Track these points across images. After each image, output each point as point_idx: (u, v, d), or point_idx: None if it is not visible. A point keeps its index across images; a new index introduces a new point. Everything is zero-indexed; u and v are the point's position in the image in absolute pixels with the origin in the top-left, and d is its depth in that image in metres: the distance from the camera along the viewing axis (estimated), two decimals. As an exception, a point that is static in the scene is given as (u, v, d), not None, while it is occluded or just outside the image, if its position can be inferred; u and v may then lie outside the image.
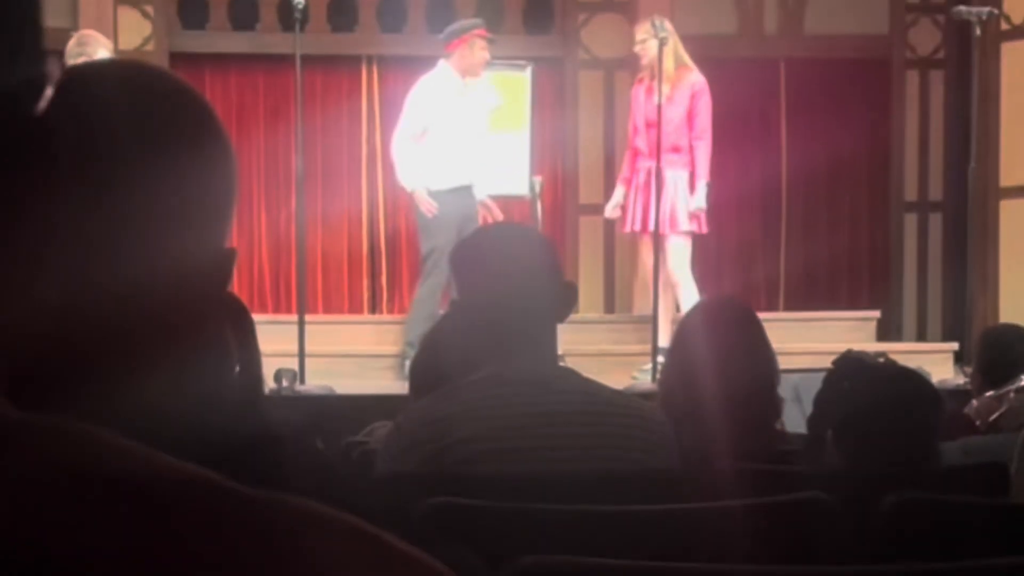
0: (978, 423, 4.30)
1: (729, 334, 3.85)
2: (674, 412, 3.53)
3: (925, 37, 10.75)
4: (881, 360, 3.50)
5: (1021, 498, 3.12)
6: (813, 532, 2.32)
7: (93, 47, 7.90)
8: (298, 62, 7.98)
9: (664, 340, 8.04)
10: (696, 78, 8.35)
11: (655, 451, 2.95)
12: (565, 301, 3.00)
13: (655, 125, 8.20)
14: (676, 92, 8.32)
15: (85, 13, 9.91)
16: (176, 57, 10.26)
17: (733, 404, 3.63)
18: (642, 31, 8.42)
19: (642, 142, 8.47)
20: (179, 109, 1.31)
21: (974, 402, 4.40)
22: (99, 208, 1.10)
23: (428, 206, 8.07)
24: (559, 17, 10.60)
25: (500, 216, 8.38)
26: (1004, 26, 9.58)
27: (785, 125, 10.68)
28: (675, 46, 8.34)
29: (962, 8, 7.90)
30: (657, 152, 8.13)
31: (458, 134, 8.19)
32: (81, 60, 7.60)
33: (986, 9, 7.76)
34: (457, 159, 8.18)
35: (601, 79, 10.52)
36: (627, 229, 8.69)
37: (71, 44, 7.87)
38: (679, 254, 8.41)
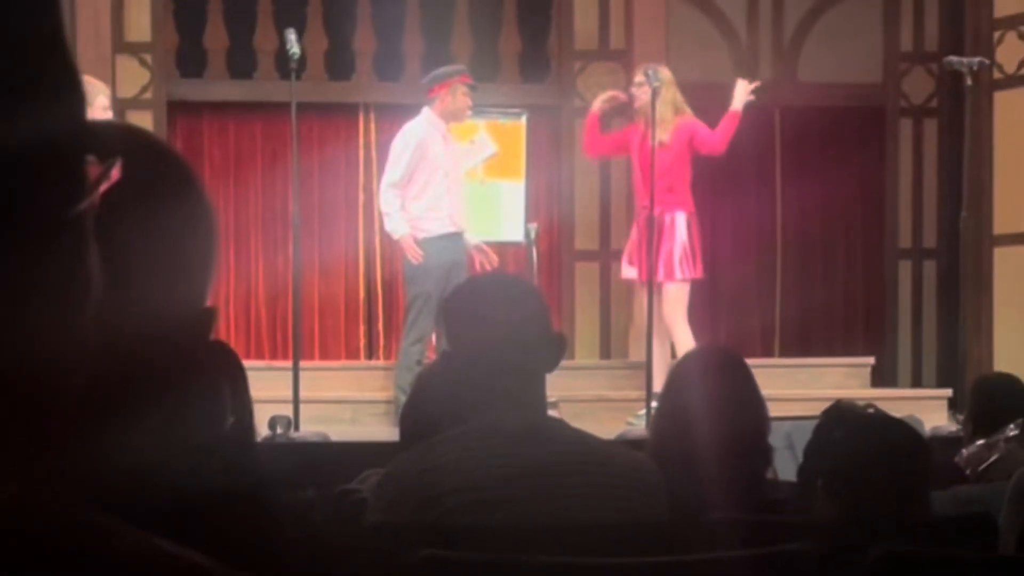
0: (968, 472, 4.32)
1: (719, 382, 3.87)
2: (665, 459, 3.55)
3: (919, 86, 10.83)
4: (871, 410, 3.51)
5: (1009, 549, 3.14)
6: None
7: (92, 93, 7.95)
8: (294, 110, 8.04)
9: (659, 386, 8.06)
10: (692, 122, 8.43)
11: (645, 501, 2.97)
12: (554, 351, 3.03)
13: (648, 170, 8.26)
14: (672, 138, 8.38)
15: (83, 60, 9.94)
16: (174, 105, 10.32)
17: (723, 452, 3.65)
18: (638, 75, 8.50)
19: (639, 184, 8.53)
20: (165, 170, 1.36)
21: (964, 451, 4.42)
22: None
23: (414, 253, 8.12)
24: (555, 65, 10.67)
25: (495, 260, 8.42)
26: (997, 75, 9.64)
27: (780, 172, 10.74)
28: (673, 95, 8.40)
29: (954, 58, 7.96)
30: (651, 197, 8.18)
31: (442, 180, 8.23)
32: None
33: (977, 59, 7.83)
34: (442, 206, 8.22)
35: (597, 127, 10.57)
36: (623, 275, 8.73)
37: None
38: (674, 300, 8.45)
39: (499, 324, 2.96)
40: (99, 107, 7.68)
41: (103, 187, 0.89)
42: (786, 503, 3.65)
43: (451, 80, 8.36)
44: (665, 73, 8.43)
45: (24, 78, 0.77)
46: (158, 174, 1.28)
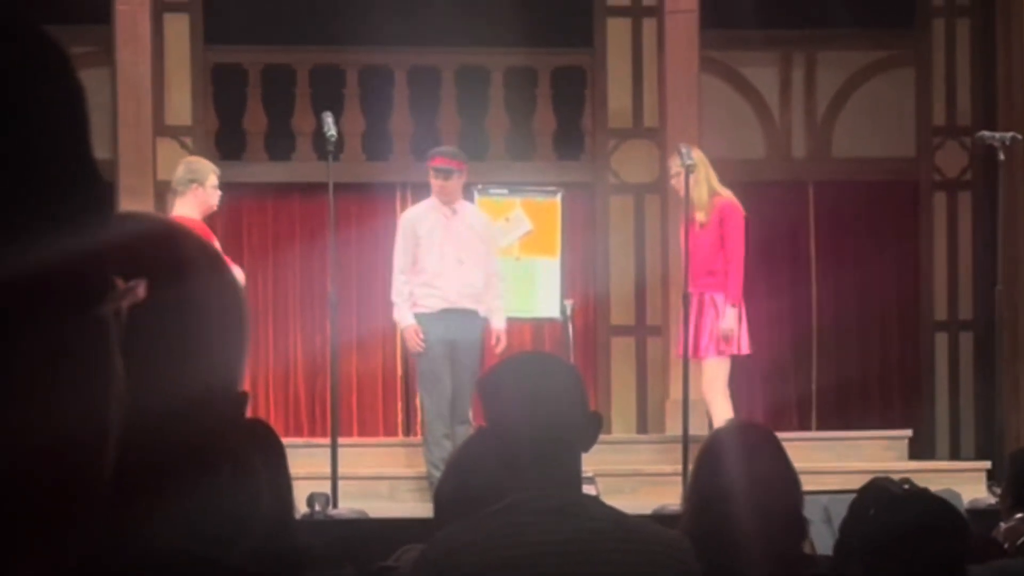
0: (1007, 546, 4.32)
1: (751, 457, 3.88)
2: (698, 535, 3.59)
3: (952, 159, 10.89)
4: (907, 486, 3.53)
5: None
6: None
7: (203, 173, 8.14)
8: (331, 190, 8.15)
9: None
10: (727, 203, 8.46)
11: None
12: (590, 431, 3.08)
13: (691, 252, 8.34)
14: (710, 219, 8.43)
15: (124, 144, 10.13)
16: (214, 186, 10.46)
17: (758, 528, 3.66)
18: (674, 164, 8.52)
19: (687, 268, 8.56)
20: (194, 256, 1.38)
21: (1003, 524, 4.42)
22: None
23: (415, 343, 8.28)
24: (589, 144, 10.78)
25: (503, 345, 8.42)
26: (1030, 148, 9.67)
27: (815, 246, 10.79)
28: (707, 174, 8.44)
29: (986, 133, 8.01)
30: (687, 278, 8.25)
31: (438, 258, 8.33)
32: (192, 187, 7.82)
33: (1009, 135, 7.87)
34: (436, 283, 8.31)
35: (631, 203, 10.68)
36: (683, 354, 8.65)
37: (180, 171, 8.10)
38: (711, 376, 8.48)
39: (536, 402, 3.01)
40: (210, 186, 7.98)
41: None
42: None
43: (427, 162, 8.51)
44: (697, 153, 8.47)
45: (52, 188, 0.83)
46: (184, 275, 1.31)
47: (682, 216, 8.46)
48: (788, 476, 3.85)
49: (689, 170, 8.18)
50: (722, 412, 8.37)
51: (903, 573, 3.16)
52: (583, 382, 3.25)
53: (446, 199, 8.44)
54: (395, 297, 8.44)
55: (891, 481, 3.92)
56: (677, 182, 8.48)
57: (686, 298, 8.25)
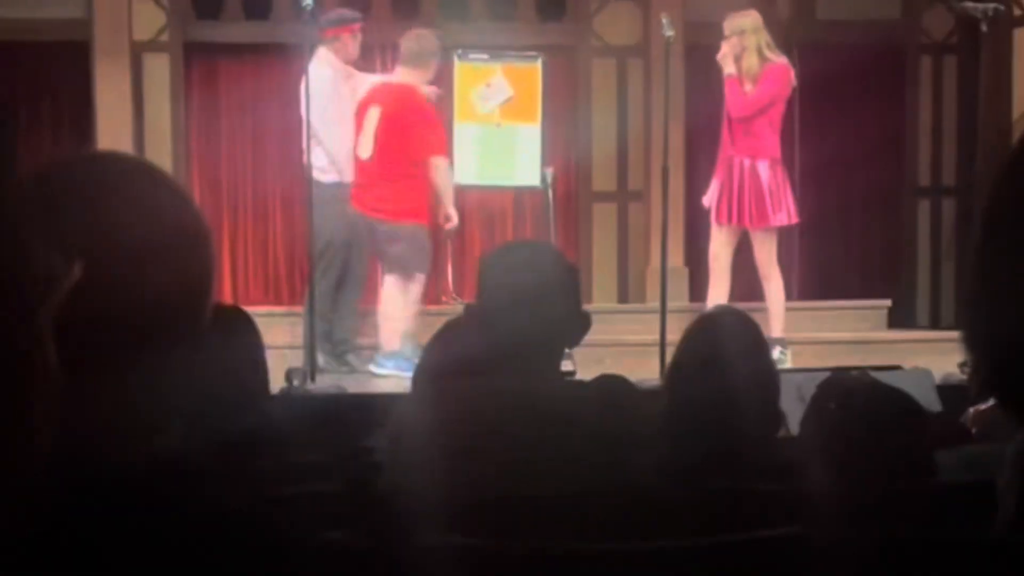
0: (974, 431, 4.33)
1: (730, 347, 3.88)
2: (674, 415, 3.61)
3: (938, 22, 10.75)
4: (865, 380, 3.54)
5: (1008, 516, 3.16)
6: (793, 569, 2.37)
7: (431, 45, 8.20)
8: (306, 51, 8.04)
9: (778, 331, 8.17)
10: (772, 67, 8.27)
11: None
12: (578, 329, 3.12)
13: (732, 120, 8.23)
14: (757, 85, 8.28)
15: (100, 3, 9.97)
16: (190, 47, 10.32)
17: (732, 414, 3.67)
18: (730, 34, 8.31)
19: (727, 134, 8.44)
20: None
21: (971, 409, 4.42)
22: None
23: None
24: (571, 5, 10.62)
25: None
26: (1016, 12, 9.56)
27: (798, 110, 10.68)
28: (758, 41, 8.28)
29: (968, 4, 7.89)
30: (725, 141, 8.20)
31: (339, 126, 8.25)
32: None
33: (992, 5, 7.75)
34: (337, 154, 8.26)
35: (614, 67, 10.55)
36: (720, 220, 8.53)
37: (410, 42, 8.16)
38: (766, 248, 8.41)
39: (529, 291, 3.05)
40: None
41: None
42: (795, 465, 3.68)
43: (354, 25, 8.39)
44: (746, 21, 8.25)
45: None
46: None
47: (738, 81, 8.28)
48: (768, 367, 3.86)
49: (668, 41, 8.03)
50: (778, 286, 8.36)
51: (865, 465, 3.17)
52: (579, 280, 3.26)
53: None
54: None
55: (850, 375, 3.93)
56: (723, 55, 8.28)
57: (731, 165, 8.18)
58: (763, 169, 8.32)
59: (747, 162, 8.31)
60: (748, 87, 8.25)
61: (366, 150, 8.13)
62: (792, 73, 8.35)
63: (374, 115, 8.13)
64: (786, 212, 8.39)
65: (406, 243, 8.10)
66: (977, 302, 1.21)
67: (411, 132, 8.03)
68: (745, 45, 8.22)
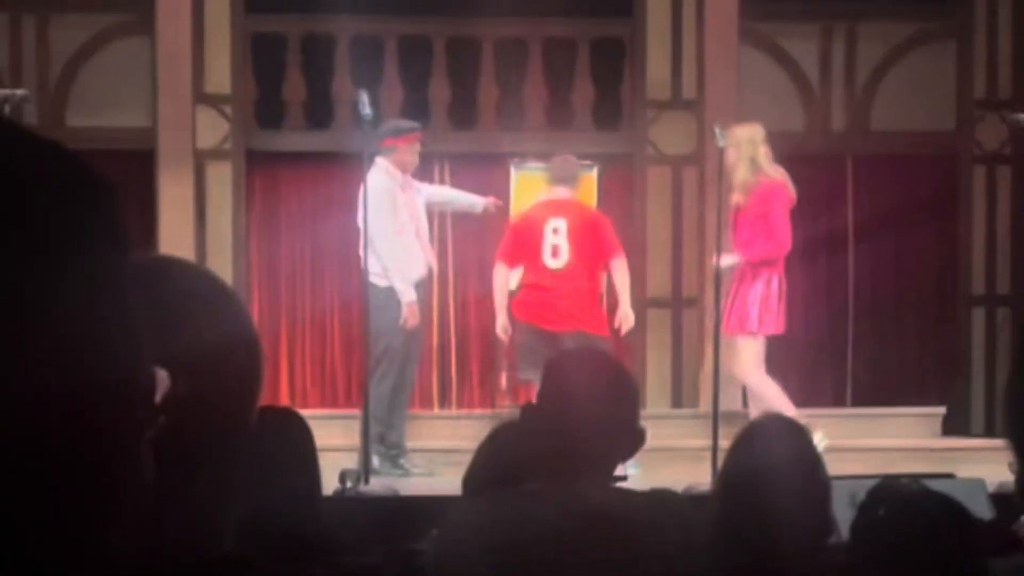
0: (1027, 540, 4.32)
1: (782, 452, 3.91)
2: (724, 518, 3.63)
3: (992, 133, 10.81)
4: (914, 487, 3.56)
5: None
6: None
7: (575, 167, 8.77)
8: (365, 160, 8.20)
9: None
10: (770, 182, 8.37)
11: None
12: (632, 444, 3.13)
13: (732, 226, 8.35)
14: (749, 200, 8.38)
15: (164, 112, 10.20)
16: (252, 155, 10.52)
17: (785, 521, 3.69)
18: (720, 136, 8.46)
19: (732, 245, 8.53)
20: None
21: (1022, 518, 4.42)
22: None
23: (415, 318, 8.44)
24: (627, 115, 10.76)
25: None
26: (1069, 123, 9.60)
27: (852, 220, 10.75)
28: (752, 153, 8.38)
29: (1020, 116, 7.97)
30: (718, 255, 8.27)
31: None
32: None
33: (1043, 117, 7.83)
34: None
35: (669, 175, 10.66)
36: (725, 331, 8.59)
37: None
38: (748, 354, 8.47)
39: (590, 401, 3.06)
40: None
41: None
42: (845, 572, 3.70)
43: (412, 135, 8.60)
44: (742, 132, 8.40)
45: None
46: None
47: (727, 195, 8.43)
48: (819, 475, 3.88)
49: (722, 151, 8.15)
50: (759, 393, 8.38)
51: (913, 571, 3.19)
52: (639, 396, 3.30)
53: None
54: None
55: (900, 481, 3.94)
56: (725, 162, 8.43)
57: (717, 275, 8.26)
58: (756, 279, 8.39)
59: (742, 271, 8.40)
60: (738, 198, 8.34)
61: (559, 260, 8.35)
62: (788, 188, 8.40)
63: (562, 227, 8.41)
64: (767, 323, 8.40)
65: None
66: (1019, 407, 1.24)
67: (598, 237, 8.46)
68: (739, 156, 8.31)
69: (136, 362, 0.90)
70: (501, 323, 8.60)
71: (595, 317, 8.50)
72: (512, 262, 8.54)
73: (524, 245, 8.46)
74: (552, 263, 8.38)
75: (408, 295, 8.41)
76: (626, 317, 8.51)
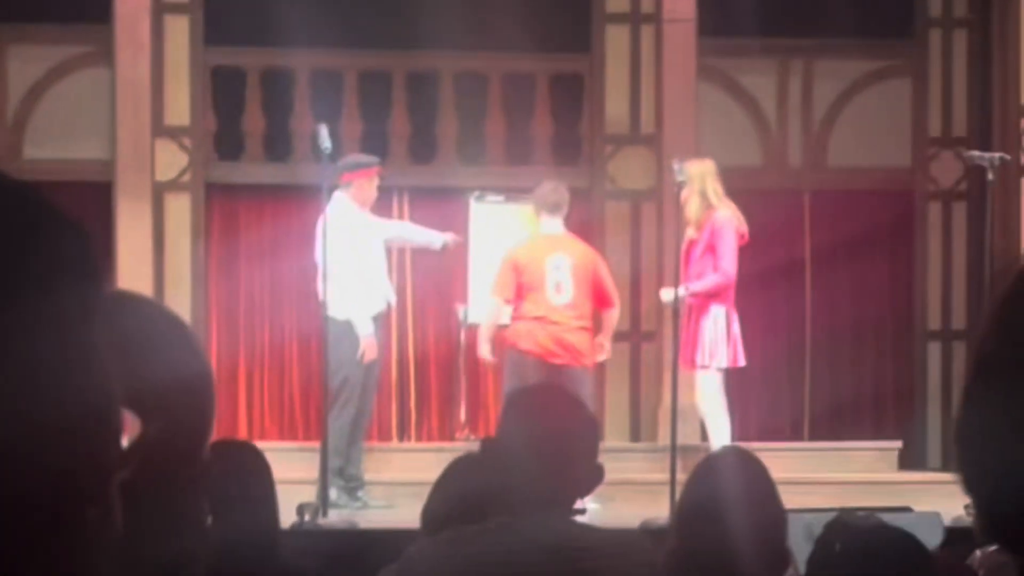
0: (981, 573, 4.35)
1: (739, 485, 3.92)
2: (682, 552, 3.65)
3: (947, 170, 10.91)
4: (870, 522, 3.59)
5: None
6: None
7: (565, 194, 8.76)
8: (325, 194, 8.20)
9: None
10: (719, 216, 8.45)
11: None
12: (590, 480, 3.14)
13: (685, 263, 8.40)
14: (701, 234, 8.45)
15: (123, 144, 10.18)
16: (212, 187, 10.50)
17: (740, 555, 3.71)
18: (675, 172, 8.52)
19: (683, 278, 8.56)
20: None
21: (978, 552, 4.45)
22: None
23: (373, 351, 8.45)
24: (586, 150, 10.81)
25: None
26: (1023, 161, 9.72)
27: (809, 255, 10.83)
28: (703, 188, 8.44)
29: (975, 153, 8.05)
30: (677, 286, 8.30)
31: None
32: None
33: (998, 155, 7.91)
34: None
35: (628, 210, 10.71)
36: (682, 366, 8.66)
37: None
38: (704, 388, 8.52)
39: (550, 438, 3.07)
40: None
41: None
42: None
43: (371, 170, 8.62)
44: (694, 167, 8.47)
45: None
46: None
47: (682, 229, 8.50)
48: (775, 508, 3.90)
49: (680, 186, 8.21)
50: (717, 426, 8.43)
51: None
52: (598, 433, 3.32)
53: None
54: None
55: (856, 516, 3.97)
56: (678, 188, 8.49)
57: (675, 311, 8.31)
58: (706, 313, 8.45)
59: (691, 306, 8.46)
60: (691, 232, 8.41)
61: (565, 295, 8.35)
62: (737, 223, 8.47)
63: (564, 264, 8.41)
64: (717, 356, 8.46)
65: (585, 386, 8.27)
66: (969, 444, 1.24)
67: (598, 280, 8.59)
68: (691, 191, 8.38)
69: (108, 403, 0.90)
70: (485, 351, 8.67)
71: (591, 352, 8.57)
72: (509, 298, 8.52)
73: (525, 280, 8.45)
74: (556, 299, 8.41)
75: (365, 329, 8.41)
76: (606, 349, 8.80)
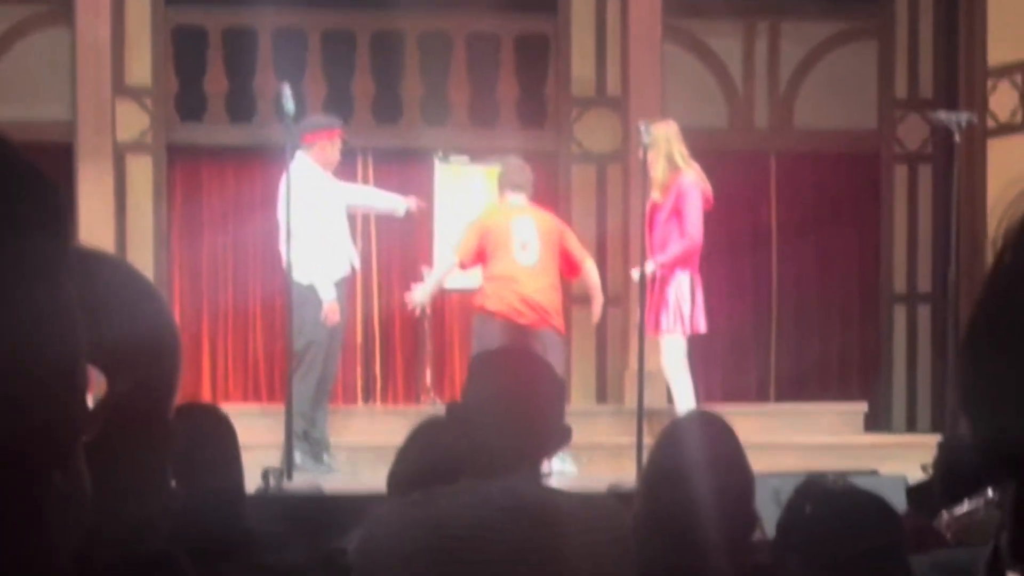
0: (949, 536, 4.35)
1: (706, 449, 3.90)
2: (649, 515, 3.62)
3: (914, 132, 10.90)
4: (840, 484, 3.57)
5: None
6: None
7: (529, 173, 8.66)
8: (288, 155, 8.12)
9: None
10: (685, 179, 8.41)
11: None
12: (558, 441, 3.12)
13: (649, 228, 8.37)
14: (666, 197, 8.41)
15: (83, 105, 10.06)
16: (173, 149, 10.40)
17: (709, 516, 3.68)
18: (643, 134, 8.47)
19: (648, 243, 8.54)
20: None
21: (945, 514, 4.45)
22: None
23: (335, 317, 8.38)
24: (552, 112, 10.75)
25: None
26: (990, 123, 9.71)
27: (775, 217, 10.81)
28: (668, 150, 8.40)
29: (942, 114, 8.03)
30: (643, 254, 8.29)
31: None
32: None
33: (965, 116, 7.89)
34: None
35: (594, 173, 10.66)
36: (648, 332, 8.62)
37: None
38: (669, 353, 8.50)
39: (515, 400, 3.04)
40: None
41: None
42: (769, 568, 3.70)
43: (333, 131, 8.54)
44: (659, 130, 8.42)
45: None
46: None
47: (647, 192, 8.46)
48: (743, 471, 3.88)
49: (646, 148, 8.16)
50: (682, 389, 8.42)
51: (840, 567, 3.20)
52: (565, 394, 3.29)
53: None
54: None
55: (826, 478, 3.95)
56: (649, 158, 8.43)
57: (642, 276, 8.28)
58: (671, 279, 8.43)
59: (658, 272, 8.43)
60: (656, 195, 8.36)
61: (531, 255, 8.30)
62: (702, 186, 8.44)
63: (530, 225, 8.38)
64: (687, 322, 8.45)
65: (556, 349, 8.21)
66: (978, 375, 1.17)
67: (564, 240, 8.55)
68: (657, 154, 8.34)
69: (75, 361, 0.87)
70: (418, 293, 8.66)
71: (560, 316, 8.51)
72: (473, 261, 8.45)
73: (491, 241, 8.37)
74: (523, 259, 8.34)
75: (328, 294, 8.35)
76: (594, 314, 8.84)
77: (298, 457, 7.97)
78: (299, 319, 8.11)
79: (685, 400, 8.39)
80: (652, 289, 8.47)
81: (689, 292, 8.49)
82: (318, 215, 8.38)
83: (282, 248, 8.29)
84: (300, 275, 8.23)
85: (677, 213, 8.39)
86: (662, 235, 8.44)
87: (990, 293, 1.12)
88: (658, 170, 8.37)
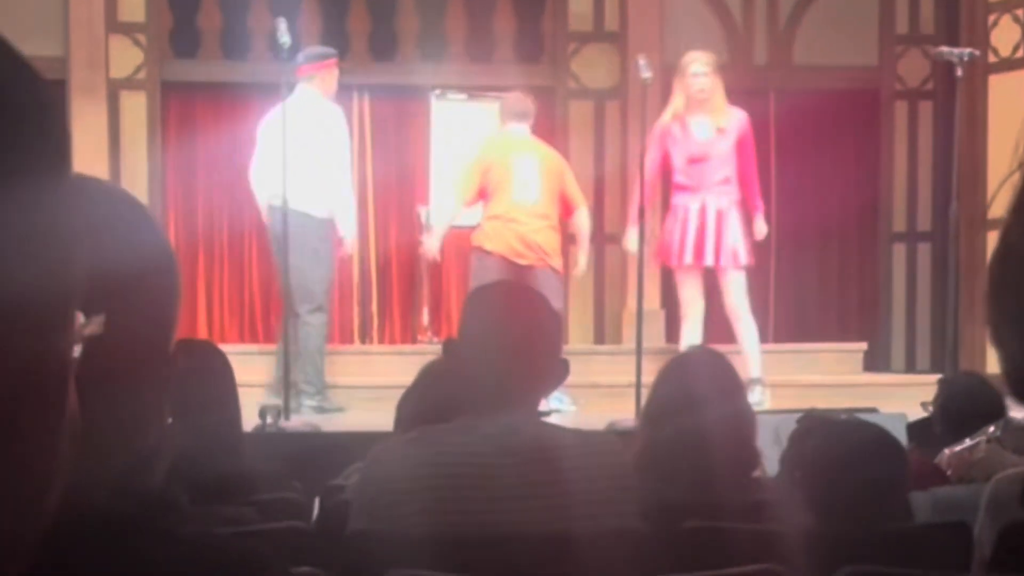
0: (950, 473, 4.32)
1: (707, 387, 3.88)
2: (651, 454, 3.59)
3: (914, 69, 10.82)
4: (844, 417, 3.53)
5: (984, 558, 3.15)
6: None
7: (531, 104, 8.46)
8: (285, 93, 8.01)
9: (756, 371, 8.14)
10: (741, 113, 8.34)
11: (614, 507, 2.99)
12: (555, 376, 3.07)
13: (702, 159, 8.23)
14: (727, 130, 8.30)
15: (76, 41, 9.96)
16: (167, 85, 10.31)
17: (709, 453, 3.66)
18: (702, 63, 8.32)
19: (684, 178, 8.39)
20: None
21: (946, 451, 4.41)
22: None
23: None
24: (549, 46, 10.65)
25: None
26: (992, 59, 9.62)
27: (775, 155, 10.72)
28: (721, 82, 8.33)
29: (944, 49, 7.94)
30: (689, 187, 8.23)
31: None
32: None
33: (967, 51, 7.80)
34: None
35: (591, 109, 10.57)
36: (676, 263, 8.53)
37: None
38: (740, 288, 8.43)
39: (511, 336, 2.99)
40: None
41: None
42: (771, 504, 3.67)
43: (330, 61, 8.42)
44: (710, 59, 8.31)
45: None
46: None
47: (687, 122, 8.29)
48: (744, 408, 3.85)
49: (645, 83, 8.05)
50: (750, 325, 8.38)
51: (844, 500, 3.17)
52: (561, 329, 3.24)
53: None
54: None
55: (828, 412, 3.93)
56: (705, 83, 8.25)
57: (701, 209, 8.22)
58: (726, 211, 8.34)
59: (711, 204, 8.31)
60: (722, 122, 8.24)
61: (531, 194, 8.20)
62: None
63: (532, 163, 8.24)
64: (744, 253, 8.40)
65: (554, 290, 8.15)
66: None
67: (564, 181, 8.40)
68: (715, 84, 8.23)
69: (72, 290, 0.82)
70: (430, 244, 8.52)
71: (559, 256, 8.43)
72: (475, 199, 8.34)
73: (492, 179, 8.26)
74: (523, 198, 8.25)
75: (351, 227, 8.29)
76: (580, 264, 8.66)
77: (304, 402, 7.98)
78: (306, 253, 7.98)
79: (752, 341, 8.37)
80: (711, 225, 8.33)
81: (744, 227, 8.43)
82: (334, 142, 8.23)
83: (253, 176, 8.18)
84: (314, 208, 8.09)
85: (745, 147, 8.29)
86: (722, 167, 8.28)
87: (1019, 218, 1.07)
88: (717, 101, 8.25)
